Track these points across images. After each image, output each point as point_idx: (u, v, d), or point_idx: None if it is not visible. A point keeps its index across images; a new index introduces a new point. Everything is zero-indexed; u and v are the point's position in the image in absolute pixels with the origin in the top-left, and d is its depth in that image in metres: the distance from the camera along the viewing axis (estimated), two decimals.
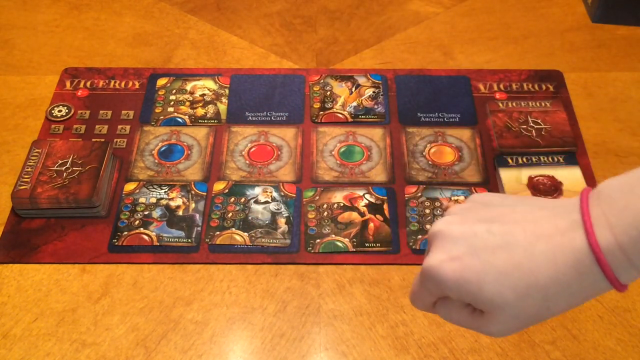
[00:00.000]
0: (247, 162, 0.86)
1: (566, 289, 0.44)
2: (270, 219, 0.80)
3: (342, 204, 0.81)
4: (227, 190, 0.83)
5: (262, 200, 0.82)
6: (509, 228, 0.45)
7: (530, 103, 0.92)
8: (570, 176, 0.83)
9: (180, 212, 0.80)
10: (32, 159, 0.82)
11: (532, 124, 0.89)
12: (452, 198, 0.82)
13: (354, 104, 0.93)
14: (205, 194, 0.82)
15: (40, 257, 0.76)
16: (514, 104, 0.92)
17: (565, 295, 0.44)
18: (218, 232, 0.78)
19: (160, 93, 0.95)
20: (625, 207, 0.42)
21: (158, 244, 0.77)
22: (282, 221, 0.79)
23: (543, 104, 0.92)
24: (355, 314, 0.72)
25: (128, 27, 1.06)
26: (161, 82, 0.96)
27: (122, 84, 0.96)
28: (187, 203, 0.81)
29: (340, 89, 0.95)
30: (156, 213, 0.80)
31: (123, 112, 0.92)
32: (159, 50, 1.02)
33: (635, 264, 0.41)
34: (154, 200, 0.82)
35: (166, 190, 0.83)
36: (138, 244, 0.77)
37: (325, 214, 0.80)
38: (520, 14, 1.09)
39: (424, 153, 0.87)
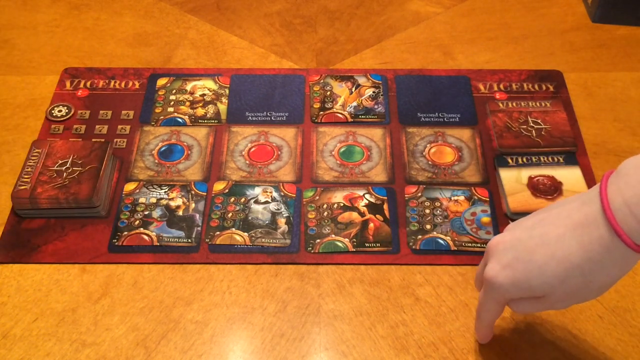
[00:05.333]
0: (247, 162, 0.86)
1: (599, 264, 0.51)
2: (270, 219, 0.80)
3: (342, 204, 0.81)
4: (227, 190, 0.83)
5: (262, 200, 0.82)
6: (545, 229, 0.54)
7: (530, 103, 0.92)
8: (570, 176, 0.83)
9: (180, 212, 0.80)
10: (32, 159, 0.82)
11: (532, 124, 0.89)
12: (452, 198, 0.82)
13: (354, 104, 0.93)
14: (205, 194, 0.82)
15: (40, 257, 0.76)
16: (514, 104, 0.92)
17: (601, 270, 0.51)
18: (218, 232, 0.79)
19: (160, 93, 0.95)
20: (638, 181, 0.48)
21: (158, 244, 0.77)
22: (282, 221, 0.79)
23: (543, 104, 0.92)
24: (355, 314, 0.72)
25: (128, 27, 1.06)
26: (161, 82, 0.96)
27: (122, 84, 0.96)
28: (187, 203, 0.81)
29: (340, 89, 0.95)
30: (156, 213, 0.80)
31: (123, 112, 0.92)
32: (159, 50, 1.02)
33: None
34: (154, 200, 0.82)
35: (166, 190, 0.83)
36: (138, 244, 0.77)
37: (325, 214, 0.80)
38: (520, 14, 1.09)
39: (424, 153, 0.87)
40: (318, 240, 0.78)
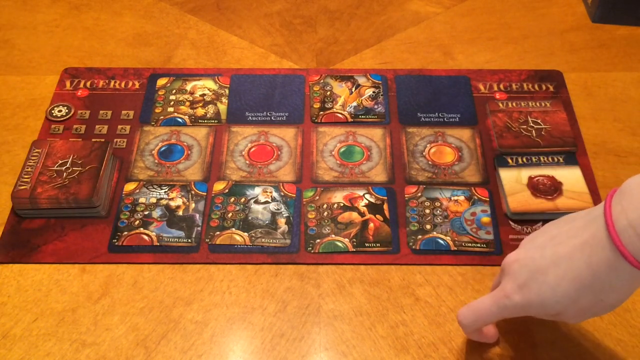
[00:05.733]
0: (247, 162, 0.86)
1: (607, 283, 0.52)
2: (270, 219, 0.80)
3: (342, 204, 0.81)
4: (227, 190, 0.83)
5: (262, 200, 0.82)
6: (556, 249, 0.55)
7: (530, 103, 0.92)
8: (570, 176, 0.83)
9: (180, 212, 0.80)
10: (32, 159, 0.82)
11: (532, 124, 0.89)
12: (452, 198, 0.82)
13: (354, 104, 0.93)
14: (205, 194, 0.82)
15: (40, 257, 0.76)
16: (514, 104, 0.92)
17: (610, 288, 0.52)
18: (218, 232, 0.79)
19: (160, 93, 0.95)
20: None
21: (158, 244, 0.77)
22: (282, 221, 0.79)
23: (543, 104, 0.92)
24: (355, 314, 0.72)
25: (128, 27, 1.06)
26: (161, 82, 0.96)
27: (122, 84, 0.96)
28: (187, 203, 0.81)
29: (340, 89, 0.95)
30: (156, 213, 0.80)
31: (123, 112, 0.92)
32: (159, 50, 1.02)
33: None
34: (154, 200, 0.82)
35: (166, 190, 0.83)
36: (138, 244, 0.77)
37: (325, 214, 0.80)
38: (520, 14, 1.09)
39: (424, 153, 0.87)
40: (318, 240, 0.78)
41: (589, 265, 0.51)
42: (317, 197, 0.82)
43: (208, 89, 0.95)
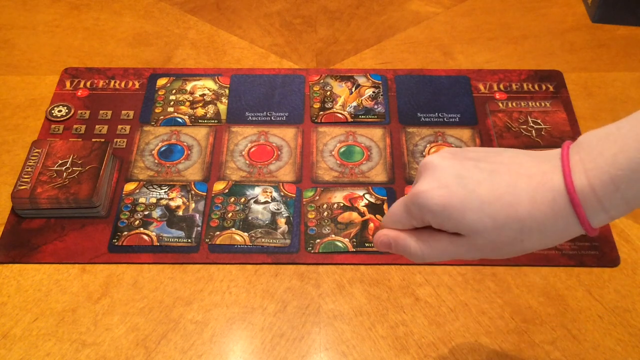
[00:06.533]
0: (247, 162, 0.86)
1: (541, 225, 0.47)
2: (270, 219, 0.80)
3: (342, 204, 0.81)
4: (227, 190, 0.83)
5: (262, 200, 0.82)
6: (495, 167, 0.49)
7: (530, 103, 0.92)
8: None
9: (180, 212, 0.80)
10: (32, 159, 0.82)
11: (532, 124, 0.89)
12: None
13: (354, 104, 0.93)
14: (205, 194, 0.82)
15: (40, 257, 0.76)
16: (514, 104, 0.92)
17: (539, 231, 0.48)
18: (218, 232, 0.79)
19: (160, 93, 0.95)
20: (600, 153, 0.46)
21: (158, 244, 0.77)
22: (282, 221, 0.79)
23: (543, 104, 0.92)
24: (355, 314, 0.72)
25: (128, 27, 1.06)
26: (161, 82, 0.96)
27: (122, 84, 0.96)
28: (187, 203, 0.81)
29: (340, 89, 0.95)
30: (156, 213, 0.80)
31: (123, 112, 0.92)
32: (159, 50, 1.02)
33: (605, 207, 0.45)
34: (154, 200, 0.82)
35: (166, 190, 0.83)
36: (138, 244, 0.77)
37: (325, 214, 0.80)
38: (520, 14, 1.09)
39: (424, 153, 0.87)
40: (318, 240, 0.78)
41: (532, 200, 0.47)
42: (317, 197, 0.82)
43: (208, 89, 0.95)
